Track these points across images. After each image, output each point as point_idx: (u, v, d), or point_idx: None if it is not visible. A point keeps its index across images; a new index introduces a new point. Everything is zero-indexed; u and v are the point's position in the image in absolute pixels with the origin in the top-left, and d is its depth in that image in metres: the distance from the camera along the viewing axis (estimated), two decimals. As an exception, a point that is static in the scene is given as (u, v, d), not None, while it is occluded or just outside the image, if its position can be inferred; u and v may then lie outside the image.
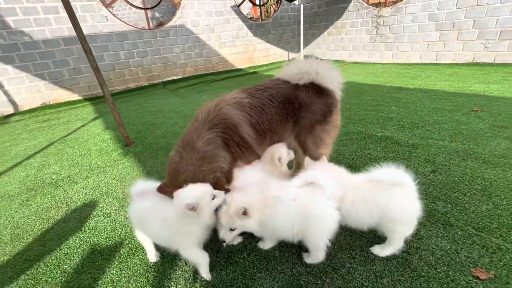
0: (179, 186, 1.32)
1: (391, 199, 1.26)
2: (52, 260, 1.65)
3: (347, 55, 8.70)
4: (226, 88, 6.50)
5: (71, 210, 2.16)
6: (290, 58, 10.39)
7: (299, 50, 9.68)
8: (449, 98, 3.90)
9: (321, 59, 1.84)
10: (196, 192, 1.23)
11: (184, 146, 1.49)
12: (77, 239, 1.81)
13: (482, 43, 5.75)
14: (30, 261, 1.66)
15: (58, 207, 2.21)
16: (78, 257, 1.65)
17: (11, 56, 5.61)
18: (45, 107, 6.09)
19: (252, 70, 8.87)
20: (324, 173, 1.35)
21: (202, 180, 1.38)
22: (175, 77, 8.08)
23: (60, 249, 1.73)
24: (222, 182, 1.41)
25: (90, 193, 2.37)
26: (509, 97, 3.66)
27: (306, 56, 9.96)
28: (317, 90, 1.79)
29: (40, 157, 3.36)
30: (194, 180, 1.38)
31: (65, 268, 1.57)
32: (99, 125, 4.49)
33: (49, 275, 1.53)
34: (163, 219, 1.28)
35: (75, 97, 6.59)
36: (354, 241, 1.55)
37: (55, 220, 2.06)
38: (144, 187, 1.44)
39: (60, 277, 1.51)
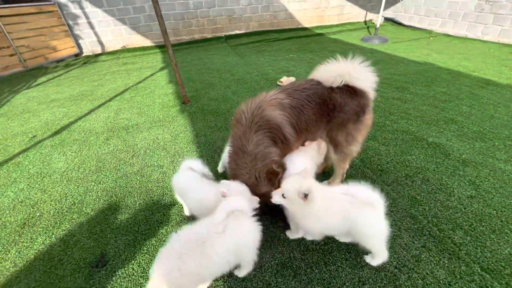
0: None
1: (361, 215, 1.38)
2: (120, 193, 2.24)
3: (438, 25, 7.25)
4: (285, 51, 6.31)
5: (135, 155, 2.74)
6: (367, 19, 9.14)
7: (379, 11, 8.37)
8: (547, 107, 3.18)
9: (354, 60, 1.76)
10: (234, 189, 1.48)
11: (237, 152, 1.69)
12: (137, 182, 2.37)
13: None
14: (108, 190, 2.29)
15: (127, 151, 2.83)
16: (137, 196, 2.20)
17: (101, 0, 6.32)
18: (124, 50, 6.93)
19: (319, 31, 8.20)
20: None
21: (259, 177, 1.62)
22: (238, 31, 8.06)
23: (126, 187, 2.31)
24: (276, 173, 1.62)
25: (150, 144, 2.92)
26: None
27: (384, 19, 8.63)
28: (351, 91, 1.79)
29: (117, 101, 4.09)
30: (251, 180, 1.63)
31: (128, 203, 2.14)
32: (164, 76, 5.04)
33: (120, 204, 2.12)
34: (201, 197, 1.63)
35: (148, 43, 7.26)
36: (352, 245, 1.70)
37: (124, 161, 2.66)
38: (192, 165, 1.79)
39: (126, 208, 2.08)
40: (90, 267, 1.64)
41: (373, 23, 8.77)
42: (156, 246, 1.76)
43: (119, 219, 1.99)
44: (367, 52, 5.79)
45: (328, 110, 1.83)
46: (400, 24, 8.31)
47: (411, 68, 4.69)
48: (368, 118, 1.96)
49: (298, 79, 4.39)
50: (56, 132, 3.28)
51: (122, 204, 2.13)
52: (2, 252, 1.79)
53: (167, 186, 2.28)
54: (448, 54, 5.38)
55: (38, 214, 2.07)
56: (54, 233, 1.90)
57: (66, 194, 2.27)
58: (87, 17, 6.40)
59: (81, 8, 6.25)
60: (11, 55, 5.58)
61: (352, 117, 1.85)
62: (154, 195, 2.20)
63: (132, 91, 4.42)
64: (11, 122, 3.64)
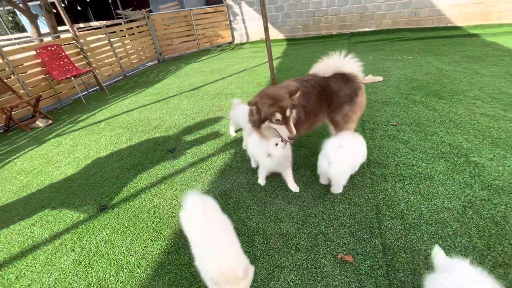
0: None
1: None
2: (199, 127, 3.61)
3: None
4: (404, 52, 5.87)
5: (221, 110, 4.07)
6: None
7: None
8: None
9: (344, 54, 2.17)
10: None
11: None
12: (213, 122, 3.66)
13: None
14: (196, 122, 3.73)
15: (217, 107, 4.21)
16: (210, 129, 3.49)
17: (253, 1, 8.19)
18: (260, 41, 8.67)
19: (475, 31, 6.68)
20: None
21: None
22: (367, 29, 7.98)
23: (204, 124, 3.66)
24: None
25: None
26: None
27: None
28: (344, 79, 2.20)
29: (233, 77, 5.65)
30: None
31: (201, 132, 3.46)
32: (274, 63, 6.20)
33: (196, 132, 3.50)
34: None
35: (281, 36, 8.66)
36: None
37: (214, 112, 4.04)
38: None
39: (198, 136, 3.42)
40: (167, 150, 3.08)
41: None
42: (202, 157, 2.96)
43: (187, 138, 3.36)
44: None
45: (327, 96, 2.31)
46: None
47: None
48: (361, 100, 2.29)
49: (385, 79, 4.33)
50: (191, 90, 5.20)
51: (197, 133, 3.49)
52: (138, 138, 3.58)
53: (225, 130, 3.45)
54: None
55: (162, 124, 3.81)
56: (163, 134, 3.53)
57: (178, 120, 3.92)
58: (242, 14, 8.51)
59: (240, 7, 8.40)
60: (193, 40, 8.52)
61: (347, 100, 2.26)
62: (221, 135, 3.42)
63: (246, 72, 5.88)
64: (176, 80, 6.01)
